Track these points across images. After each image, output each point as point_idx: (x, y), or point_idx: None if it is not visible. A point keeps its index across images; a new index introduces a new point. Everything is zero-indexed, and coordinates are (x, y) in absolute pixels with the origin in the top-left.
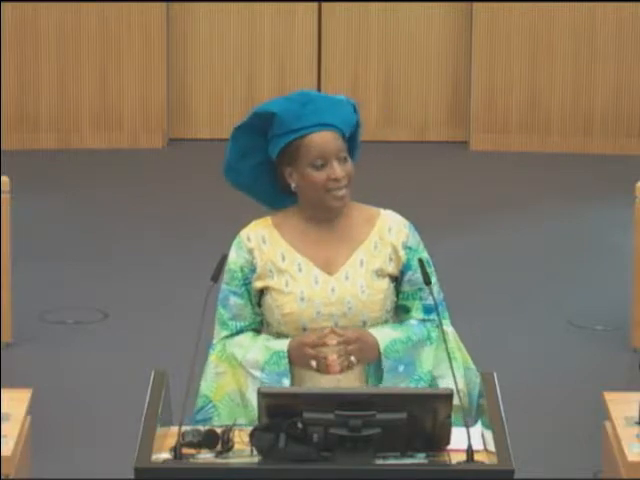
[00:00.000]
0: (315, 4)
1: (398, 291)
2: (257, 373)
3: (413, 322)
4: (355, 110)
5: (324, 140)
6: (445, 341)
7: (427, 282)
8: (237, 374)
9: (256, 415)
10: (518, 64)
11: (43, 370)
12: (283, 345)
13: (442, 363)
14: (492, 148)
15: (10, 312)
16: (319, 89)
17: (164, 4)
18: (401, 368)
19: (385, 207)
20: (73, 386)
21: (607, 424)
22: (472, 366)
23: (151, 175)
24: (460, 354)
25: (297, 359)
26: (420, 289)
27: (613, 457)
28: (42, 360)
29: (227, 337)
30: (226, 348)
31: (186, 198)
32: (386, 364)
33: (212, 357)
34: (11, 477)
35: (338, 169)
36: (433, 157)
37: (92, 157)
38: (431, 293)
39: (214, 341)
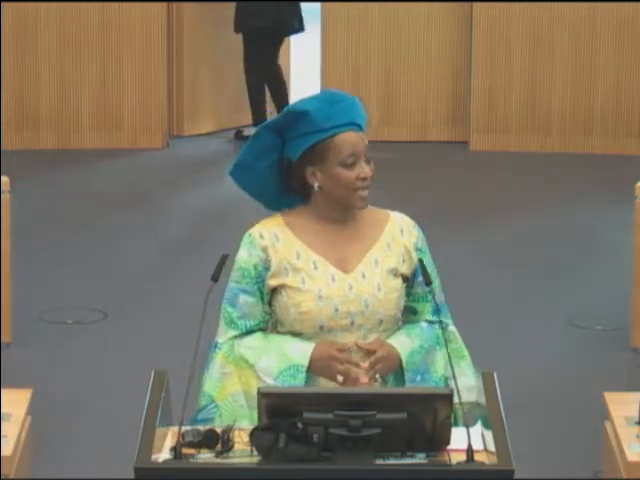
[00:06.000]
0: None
1: (408, 293)
2: (269, 380)
3: (423, 324)
4: None
5: (355, 139)
6: (446, 343)
7: (427, 283)
8: (244, 375)
9: None
10: (518, 64)
11: (43, 370)
12: (302, 357)
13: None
14: (492, 148)
15: (10, 312)
16: (319, 89)
17: (164, 4)
18: (418, 378)
19: (385, 207)
20: (73, 386)
21: (607, 424)
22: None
23: (151, 175)
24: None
25: (320, 369)
26: (431, 291)
27: (613, 457)
28: (42, 360)
29: (236, 337)
30: (234, 349)
31: (186, 198)
32: (407, 377)
33: (219, 357)
34: (11, 477)
35: (366, 168)
36: (433, 157)
37: (92, 157)
38: (432, 295)
39: (219, 340)
